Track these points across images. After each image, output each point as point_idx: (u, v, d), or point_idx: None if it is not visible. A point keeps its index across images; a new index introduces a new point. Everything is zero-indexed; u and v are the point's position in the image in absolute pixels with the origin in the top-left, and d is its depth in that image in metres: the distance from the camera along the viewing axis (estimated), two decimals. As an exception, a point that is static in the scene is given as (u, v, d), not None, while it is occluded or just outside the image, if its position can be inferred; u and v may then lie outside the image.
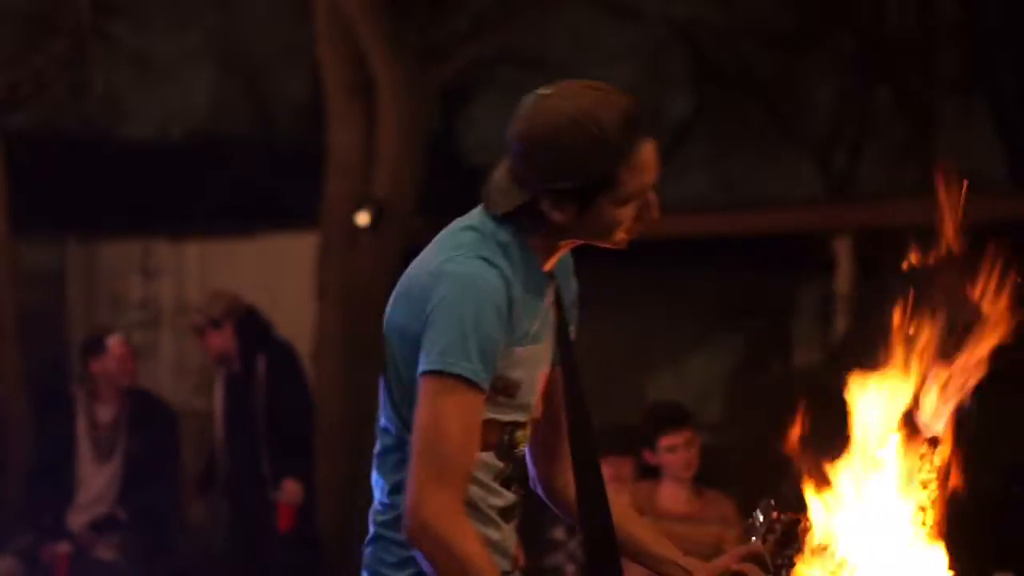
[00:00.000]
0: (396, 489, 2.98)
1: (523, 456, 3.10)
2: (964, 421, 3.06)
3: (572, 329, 3.20)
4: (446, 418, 2.86)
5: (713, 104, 15.75)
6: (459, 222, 3.01)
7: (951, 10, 14.76)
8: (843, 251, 9.89)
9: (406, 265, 3.06)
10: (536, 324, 3.00)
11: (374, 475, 3.06)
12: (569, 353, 3.14)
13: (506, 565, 3.06)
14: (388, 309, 3.00)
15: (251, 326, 7.67)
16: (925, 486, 3.07)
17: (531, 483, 3.21)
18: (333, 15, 10.35)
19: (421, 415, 2.88)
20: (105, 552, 7.62)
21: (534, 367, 3.03)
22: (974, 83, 14.46)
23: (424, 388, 2.88)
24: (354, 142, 10.38)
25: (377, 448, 3.06)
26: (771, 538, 3.14)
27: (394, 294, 3.02)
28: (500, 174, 2.98)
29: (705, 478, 6.37)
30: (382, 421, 3.04)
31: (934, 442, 3.09)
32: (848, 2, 14.77)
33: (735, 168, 15.40)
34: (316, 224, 10.62)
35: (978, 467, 3.13)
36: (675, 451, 6.25)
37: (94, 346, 7.86)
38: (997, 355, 3.06)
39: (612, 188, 2.91)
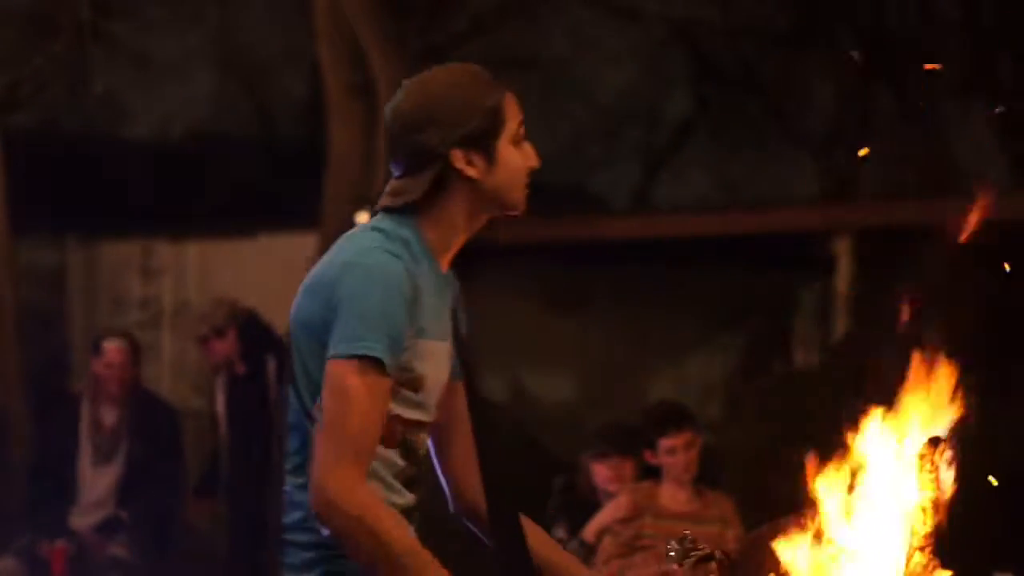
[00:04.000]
0: (302, 489, 2.99)
1: (425, 459, 3.13)
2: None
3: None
4: (353, 397, 2.90)
5: (713, 104, 15.74)
6: (363, 225, 3.13)
7: (951, 10, 14.76)
8: (843, 251, 9.89)
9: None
10: (436, 322, 3.06)
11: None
12: (470, 369, 3.17)
13: None
14: (292, 310, 3.07)
15: (254, 330, 7.67)
16: (925, 486, 3.07)
17: (450, 505, 3.23)
18: (333, 15, 10.36)
19: (327, 396, 2.92)
20: (116, 549, 7.62)
21: (438, 366, 3.07)
22: (974, 83, 14.45)
23: (332, 371, 2.93)
24: (354, 142, 10.39)
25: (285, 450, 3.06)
26: (686, 564, 3.15)
27: (298, 294, 3.09)
28: (390, 183, 3.13)
29: (705, 478, 6.38)
30: (290, 422, 3.05)
31: (935, 442, 3.09)
32: (848, 2, 14.76)
33: (735, 168, 15.39)
34: (316, 224, 10.62)
35: (979, 467, 3.13)
36: (675, 453, 6.25)
37: (94, 348, 7.86)
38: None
39: (503, 123, 3.05)
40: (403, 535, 2.91)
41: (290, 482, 3.03)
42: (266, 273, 11.30)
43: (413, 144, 3.07)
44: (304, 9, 11.13)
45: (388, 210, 3.11)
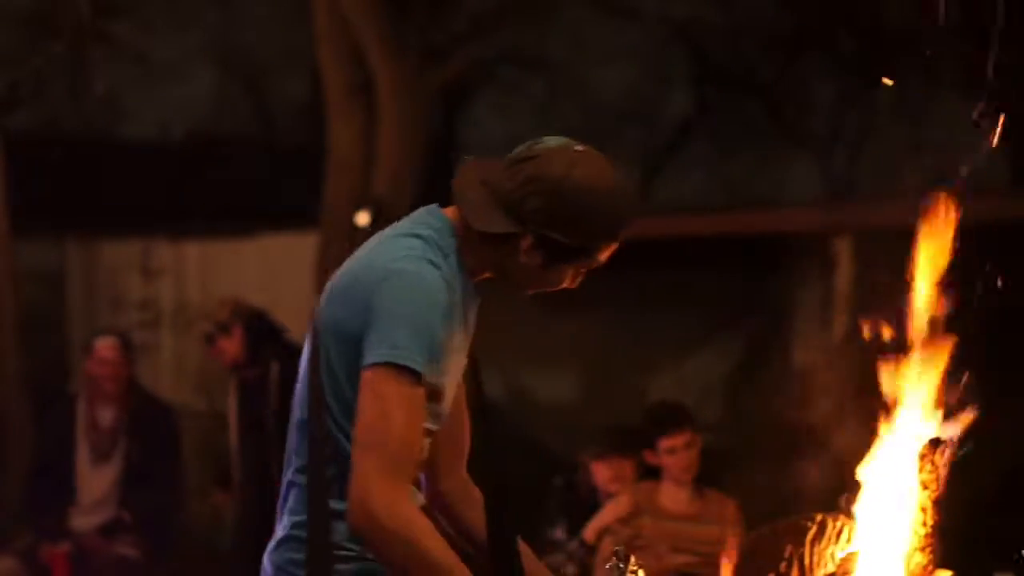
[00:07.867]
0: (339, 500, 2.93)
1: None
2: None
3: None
4: (394, 408, 2.84)
5: (713, 104, 15.75)
6: (400, 228, 3.03)
7: (951, 10, 14.75)
8: (843, 251, 9.88)
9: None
10: (462, 336, 3.03)
11: (294, 477, 3.02)
12: (478, 377, 3.15)
13: None
14: (322, 308, 2.99)
15: (261, 330, 7.64)
16: (926, 486, 3.07)
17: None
18: (333, 15, 10.36)
19: (366, 406, 2.85)
20: (123, 548, 7.61)
21: (454, 378, 3.04)
22: (974, 83, 14.44)
23: (370, 379, 2.86)
24: (354, 142, 10.39)
25: (294, 446, 3.03)
26: None
27: (328, 293, 3.01)
28: (481, 192, 3.00)
29: (705, 478, 6.38)
30: (297, 417, 3.02)
31: (936, 443, 3.09)
32: (848, 2, 14.76)
33: (735, 168, 15.40)
34: (316, 224, 10.62)
35: (978, 467, 3.13)
36: (675, 453, 6.25)
37: (87, 347, 7.85)
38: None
39: (589, 258, 3.03)
40: (446, 552, 2.87)
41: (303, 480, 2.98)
42: (266, 273, 11.30)
43: (524, 204, 2.97)
44: (304, 9, 11.13)
45: (430, 211, 3.05)
